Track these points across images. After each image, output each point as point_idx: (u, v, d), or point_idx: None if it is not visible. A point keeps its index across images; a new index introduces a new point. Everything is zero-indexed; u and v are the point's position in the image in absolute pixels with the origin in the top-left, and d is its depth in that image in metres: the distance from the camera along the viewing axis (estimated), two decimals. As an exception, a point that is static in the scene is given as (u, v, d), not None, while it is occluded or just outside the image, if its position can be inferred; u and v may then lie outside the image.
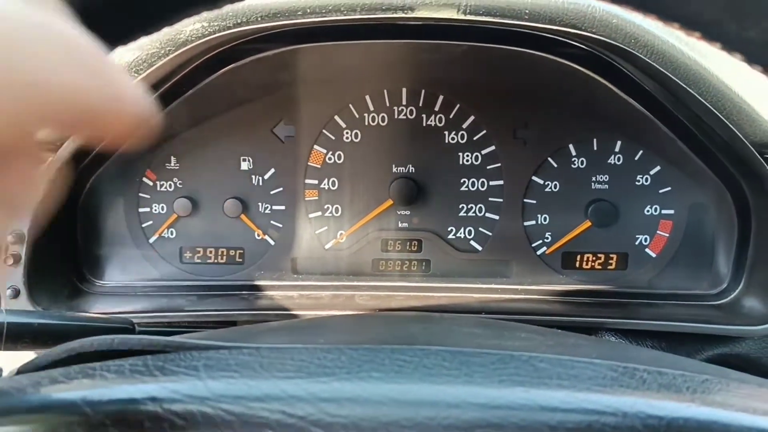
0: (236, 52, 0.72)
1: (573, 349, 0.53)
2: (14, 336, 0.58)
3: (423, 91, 0.86)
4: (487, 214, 0.89)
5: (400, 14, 0.67)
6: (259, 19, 0.68)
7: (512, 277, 0.90)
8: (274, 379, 0.39)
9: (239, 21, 0.68)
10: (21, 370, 0.46)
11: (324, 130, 0.87)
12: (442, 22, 0.69)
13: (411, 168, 0.88)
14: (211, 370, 0.40)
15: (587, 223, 0.87)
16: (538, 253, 0.89)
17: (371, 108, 0.86)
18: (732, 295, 0.84)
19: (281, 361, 0.42)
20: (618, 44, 0.65)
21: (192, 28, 0.68)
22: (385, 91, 0.86)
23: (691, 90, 0.68)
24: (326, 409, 0.37)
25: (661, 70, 0.66)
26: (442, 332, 0.58)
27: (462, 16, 0.67)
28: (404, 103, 0.86)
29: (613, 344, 0.58)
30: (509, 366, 0.44)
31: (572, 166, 0.86)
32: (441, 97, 0.86)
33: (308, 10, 0.67)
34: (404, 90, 0.86)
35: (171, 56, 0.69)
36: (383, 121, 0.87)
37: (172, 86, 0.73)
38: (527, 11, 0.66)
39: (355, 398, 0.38)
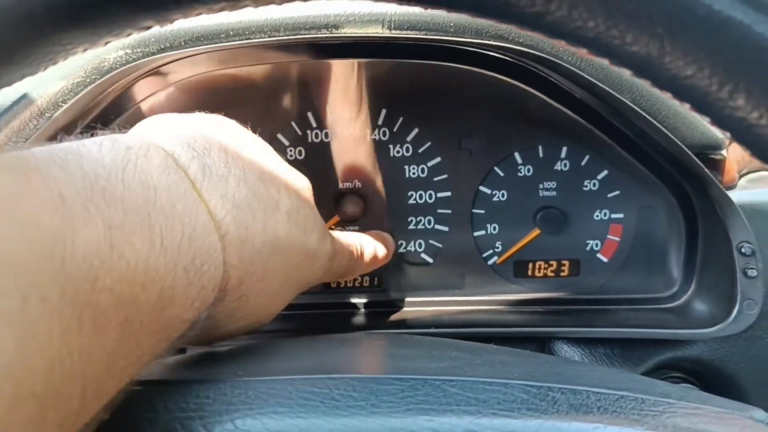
0: (162, 77, 0.71)
1: (498, 368, 0.52)
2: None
3: (365, 106, 0.85)
4: (437, 226, 0.88)
5: (325, 33, 0.67)
6: (183, 43, 0.67)
7: (465, 289, 0.89)
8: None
9: (163, 46, 0.67)
10: None
11: (267, 149, 0.86)
12: (369, 39, 0.68)
13: (357, 183, 0.87)
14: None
15: (536, 231, 0.86)
16: (489, 263, 0.88)
17: (314, 124, 0.85)
18: (683, 298, 0.83)
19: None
20: (543, 55, 0.65)
21: (116, 55, 0.67)
22: (328, 107, 0.85)
23: (621, 96, 0.67)
24: None
25: (588, 78, 0.66)
26: (367, 356, 0.57)
27: (387, 32, 0.67)
28: (347, 118, 0.85)
29: (545, 359, 0.57)
30: (419, 393, 0.43)
31: (519, 174, 0.86)
32: (384, 111, 0.85)
33: (231, 33, 0.66)
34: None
35: (96, 84, 0.68)
36: (326, 137, 0.86)
37: (101, 114, 0.72)
38: (452, 24, 0.65)
39: None
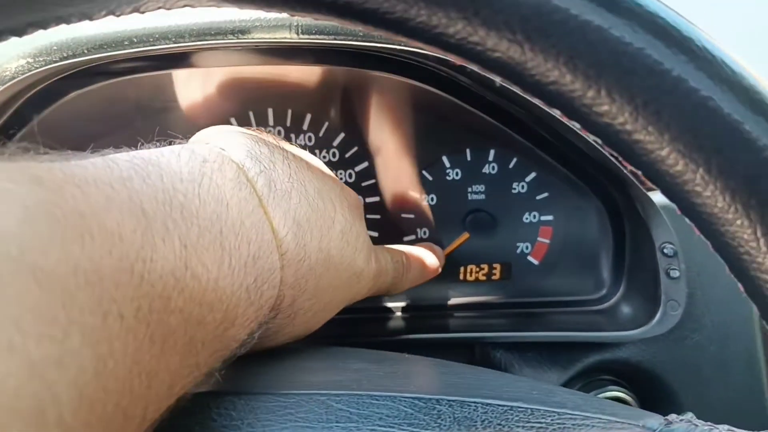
0: (66, 86, 0.69)
1: (398, 380, 0.51)
2: None
3: (290, 111, 0.84)
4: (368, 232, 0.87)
5: (232, 38, 0.65)
6: (86, 51, 0.65)
7: (396, 295, 0.88)
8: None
9: (65, 54, 0.65)
10: None
11: (191, 157, 0.84)
12: (279, 44, 0.67)
13: (285, 189, 0.86)
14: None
15: (466, 235, 0.86)
16: (420, 268, 0.87)
17: (238, 131, 0.84)
18: (612, 300, 0.83)
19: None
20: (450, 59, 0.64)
21: (17, 64, 0.65)
22: (251, 112, 0.83)
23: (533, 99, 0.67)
24: None
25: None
26: (269, 368, 0.56)
27: (296, 37, 0.65)
28: (271, 123, 0.84)
29: (452, 367, 0.56)
30: (302, 410, 0.42)
31: (447, 178, 0.85)
32: (309, 116, 0.84)
33: (135, 40, 0.64)
34: (270, 111, 0.84)
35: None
36: (252, 143, 0.84)
37: (4, 125, 0.70)
38: (360, 30, 0.64)
39: None
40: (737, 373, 0.79)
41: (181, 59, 0.71)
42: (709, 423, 0.43)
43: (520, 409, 0.43)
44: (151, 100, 0.77)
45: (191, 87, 0.78)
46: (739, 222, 0.29)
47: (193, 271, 0.32)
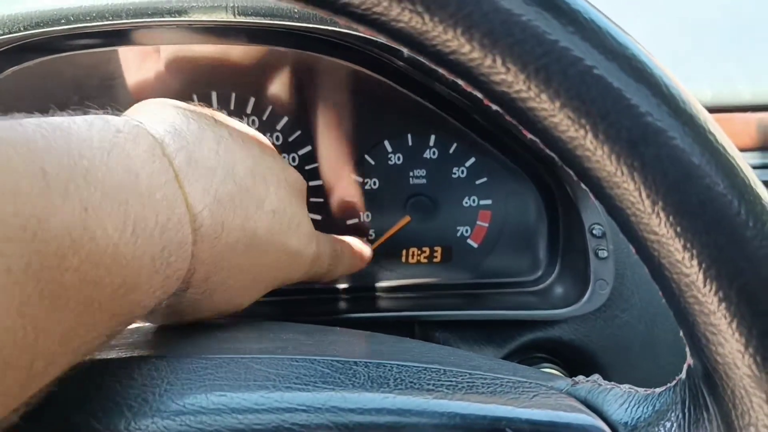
0: (2, 62, 0.69)
1: (322, 347, 0.53)
2: None
3: (233, 94, 0.84)
4: (310, 215, 0.88)
5: (169, 18, 0.66)
6: (22, 28, 0.65)
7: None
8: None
9: (2, 31, 0.65)
10: None
11: (134, 139, 0.85)
12: (216, 24, 0.68)
13: (228, 172, 0.86)
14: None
15: (407, 218, 0.87)
16: (363, 250, 0.89)
17: (182, 113, 0.84)
18: (548, 281, 0.86)
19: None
20: (381, 41, 0.66)
21: (-48, 39, 0.65)
22: (194, 95, 0.84)
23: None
24: None
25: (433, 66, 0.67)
26: (200, 337, 0.57)
27: (233, 17, 0.66)
28: (215, 107, 0.84)
29: (378, 338, 0.58)
30: (221, 370, 0.43)
31: (389, 162, 0.87)
32: (252, 100, 0.84)
33: (72, 18, 0.65)
34: (214, 94, 0.84)
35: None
36: (196, 126, 0.85)
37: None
38: (297, 11, 0.66)
39: None
40: (664, 351, 0.83)
41: (119, 36, 0.71)
42: (612, 383, 0.46)
43: (433, 370, 0.45)
44: (89, 78, 0.77)
45: (131, 66, 0.78)
46: (625, 185, 0.32)
47: (91, 233, 0.32)
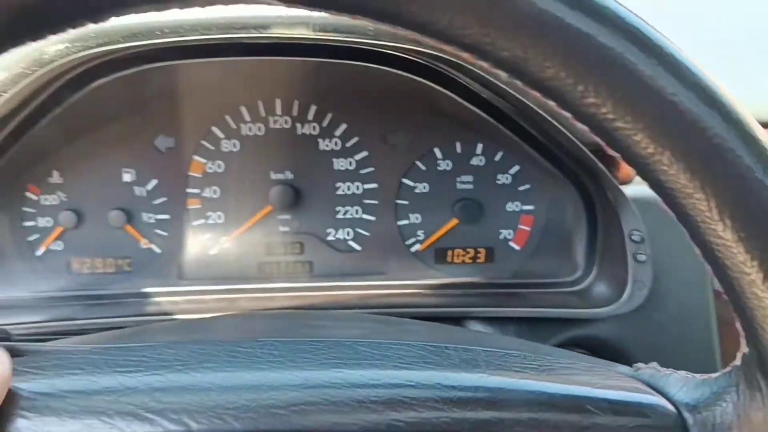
0: (101, 70, 0.76)
1: (406, 335, 0.59)
2: None
3: (296, 102, 0.91)
4: (364, 216, 0.94)
5: (254, 33, 0.72)
6: (121, 39, 0.71)
7: (389, 274, 0.95)
8: (115, 374, 0.43)
9: (101, 41, 0.71)
10: None
11: (203, 141, 0.91)
12: (296, 39, 0.74)
13: (289, 174, 0.93)
14: (58, 369, 0.44)
15: (455, 221, 0.93)
16: (412, 250, 0.95)
17: (247, 119, 0.91)
18: (586, 282, 0.92)
19: (124, 358, 0.46)
20: (452, 59, 0.72)
21: (56, 48, 0.71)
22: (260, 102, 0.90)
23: (525, 99, 0.75)
24: (159, 397, 0.41)
25: (492, 80, 0.73)
26: (292, 326, 0.64)
27: (313, 33, 0.73)
28: (279, 113, 0.91)
29: (452, 329, 0.64)
30: (332, 351, 0.49)
31: (438, 168, 0.93)
32: (313, 107, 0.91)
33: (166, 31, 0.71)
34: (278, 101, 0.91)
35: (36, 75, 0.72)
36: (260, 130, 0.91)
37: (41, 104, 0.76)
38: (371, 29, 0.72)
39: (186, 386, 0.42)
40: (694, 349, 0.88)
41: (204, 50, 0.77)
42: (670, 369, 0.51)
43: (514, 355, 0.51)
44: (172, 87, 0.84)
45: (209, 76, 0.85)
46: (696, 195, 0.37)
47: None
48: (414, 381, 0.44)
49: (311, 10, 0.34)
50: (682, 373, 0.50)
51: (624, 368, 0.52)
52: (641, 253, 0.83)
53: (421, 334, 0.61)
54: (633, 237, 0.82)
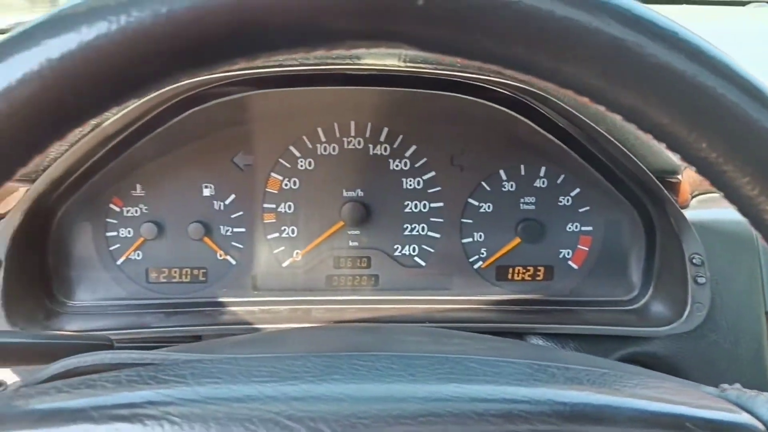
0: (203, 96, 0.80)
1: (499, 352, 0.63)
2: (4, 355, 0.65)
3: (369, 124, 0.95)
4: (429, 233, 0.99)
5: (349, 62, 0.77)
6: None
7: (452, 289, 1.00)
8: (252, 383, 0.48)
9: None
10: (25, 384, 0.53)
11: (280, 159, 0.96)
12: (386, 71, 0.79)
13: (360, 192, 0.97)
14: (197, 377, 0.48)
15: (517, 240, 0.98)
16: (475, 267, 0.99)
17: (323, 139, 0.95)
18: (642, 301, 0.96)
19: (257, 368, 0.50)
20: (535, 90, 0.77)
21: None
22: (335, 124, 0.95)
23: (598, 127, 0.80)
24: (296, 406, 0.45)
25: (572, 111, 0.78)
26: (390, 340, 0.68)
27: (402, 64, 0.77)
28: (353, 134, 0.95)
29: (535, 347, 0.68)
30: (445, 366, 0.53)
31: (503, 189, 0.97)
32: (386, 129, 0.95)
33: (272, 60, 0.76)
34: (353, 123, 0.95)
35: (144, 99, 0.76)
36: (334, 150, 0.96)
37: (144, 126, 0.81)
38: (459, 61, 0.76)
39: (319, 396, 0.47)
40: (746, 367, 0.93)
41: (297, 79, 0.82)
42: (755, 390, 0.56)
43: (611, 374, 0.55)
44: (258, 110, 0.89)
45: (293, 101, 0.90)
46: None
47: None
48: (528, 397, 0.48)
49: (487, 67, 0.38)
50: (766, 395, 0.54)
51: (710, 389, 0.56)
52: (701, 276, 0.87)
53: (513, 350, 0.65)
54: (694, 260, 0.87)
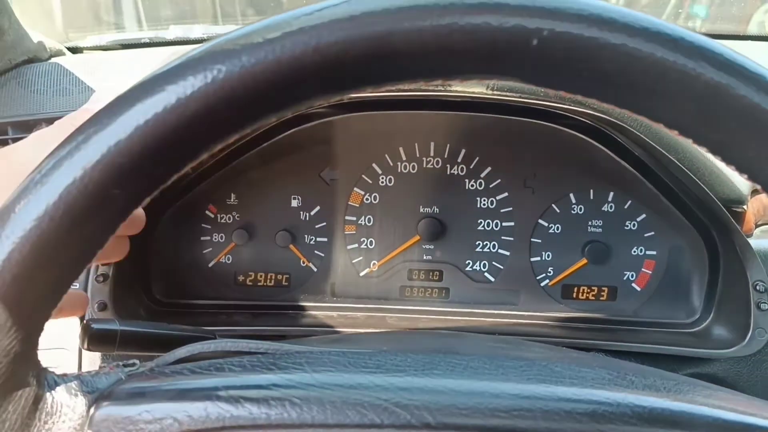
0: (301, 115, 0.88)
1: (576, 360, 0.69)
2: (125, 341, 0.73)
3: (448, 145, 1.02)
4: (500, 250, 1.05)
5: (441, 89, 0.84)
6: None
7: (519, 305, 1.05)
8: (362, 373, 0.54)
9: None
10: (157, 365, 0.60)
11: (363, 175, 1.03)
12: (472, 98, 0.86)
13: (436, 209, 1.04)
14: (312, 365, 0.55)
15: (584, 261, 1.03)
16: (542, 284, 1.05)
17: (403, 158, 1.02)
18: (703, 325, 1.00)
19: (364, 360, 0.56)
20: (614, 120, 0.82)
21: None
22: (416, 144, 1.02)
23: (670, 156, 0.85)
24: (403, 395, 0.50)
25: (648, 141, 0.83)
26: (474, 345, 0.74)
27: (489, 92, 0.84)
28: (432, 154, 1.02)
29: (607, 358, 0.73)
30: (533, 369, 0.59)
31: (572, 211, 1.03)
32: (463, 151, 1.02)
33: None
34: (432, 144, 1.02)
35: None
36: (413, 168, 1.03)
37: (251, 141, 0.89)
38: (542, 91, 0.83)
39: (422, 388, 0.52)
40: (805, 392, 0.96)
41: (387, 104, 0.90)
42: None
43: (685, 383, 0.60)
44: (347, 130, 0.97)
45: (379, 123, 0.97)
46: None
47: None
48: (611, 399, 0.53)
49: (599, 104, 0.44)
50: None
51: None
52: (764, 302, 0.91)
53: (585, 359, 0.71)
54: (758, 287, 0.91)
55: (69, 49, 1.30)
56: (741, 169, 0.49)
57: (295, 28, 0.36)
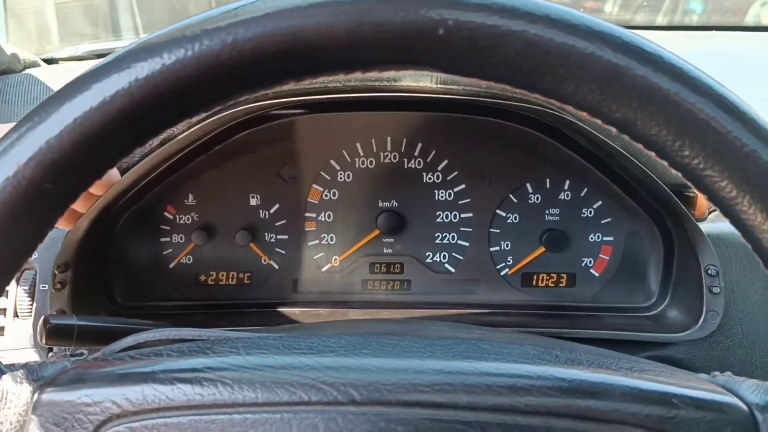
0: (256, 117, 0.89)
1: (512, 339, 0.69)
2: (82, 336, 0.73)
3: (404, 140, 1.02)
4: (459, 242, 1.05)
5: (387, 84, 0.84)
6: (286, 94, 0.84)
7: (480, 295, 1.06)
8: (294, 354, 0.54)
9: (271, 96, 0.84)
10: (103, 354, 0.61)
11: (321, 172, 1.03)
12: (421, 96, 0.86)
13: (395, 203, 1.04)
14: (247, 349, 0.55)
15: (542, 249, 1.04)
16: (502, 274, 1.06)
17: (361, 153, 1.03)
18: (660, 308, 1.02)
19: (297, 344, 0.57)
20: (555, 111, 0.83)
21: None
22: (373, 140, 1.02)
23: (614, 144, 0.86)
24: (330, 374, 0.50)
25: (589, 129, 0.84)
26: (415, 329, 0.75)
27: (434, 85, 0.84)
28: (389, 149, 1.03)
29: (546, 338, 0.74)
30: (461, 347, 0.59)
31: (529, 201, 1.04)
32: (420, 145, 1.02)
33: (321, 88, 0.84)
34: (389, 139, 1.02)
35: (205, 123, 0.85)
36: (371, 164, 1.03)
37: (202, 145, 0.89)
38: (484, 86, 0.83)
39: (351, 367, 0.52)
40: (761, 372, 0.98)
41: (341, 104, 0.90)
42: (743, 377, 0.61)
43: (611, 357, 0.61)
44: (304, 130, 0.97)
45: (335, 123, 0.98)
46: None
47: None
48: (532, 373, 0.54)
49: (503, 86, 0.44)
50: (753, 381, 0.59)
51: (703, 375, 0.62)
52: (716, 286, 0.92)
53: (526, 338, 0.72)
54: (709, 271, 0.92)
55: (44, 60, 1.29)
56: (648, 147, 0.50)
57: (212, 26, 0.37)
